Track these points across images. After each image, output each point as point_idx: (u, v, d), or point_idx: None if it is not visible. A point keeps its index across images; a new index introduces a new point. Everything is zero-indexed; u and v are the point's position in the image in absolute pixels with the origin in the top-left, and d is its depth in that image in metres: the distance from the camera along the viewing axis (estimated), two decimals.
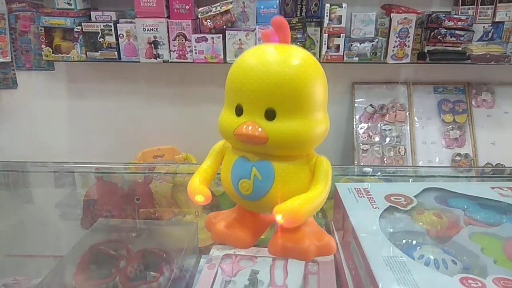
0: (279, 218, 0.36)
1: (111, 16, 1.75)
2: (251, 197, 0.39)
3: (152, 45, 1.73)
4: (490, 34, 1.67)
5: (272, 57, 0.37)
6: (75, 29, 1.71)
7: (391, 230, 0.45)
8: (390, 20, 1.64)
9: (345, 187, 0.54)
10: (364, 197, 0.52)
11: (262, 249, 0.57)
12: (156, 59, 1.74)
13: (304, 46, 1.70)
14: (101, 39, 1.73)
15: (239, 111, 0.38)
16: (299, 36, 1.70)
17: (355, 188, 0.54)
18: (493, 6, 1.63)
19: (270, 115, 0.37)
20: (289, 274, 0.53)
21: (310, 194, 0.38)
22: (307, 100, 0.37)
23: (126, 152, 1.86)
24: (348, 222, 0.47)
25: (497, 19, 1.65)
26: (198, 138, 1.92)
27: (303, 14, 1.74)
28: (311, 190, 0.38)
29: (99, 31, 1.72)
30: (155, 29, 1.70)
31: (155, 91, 1.92)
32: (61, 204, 0.91)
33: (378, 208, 0.49)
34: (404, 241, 0.44)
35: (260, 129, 0.36)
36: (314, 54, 1.77)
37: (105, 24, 1.71)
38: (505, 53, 1.59)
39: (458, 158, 1.70)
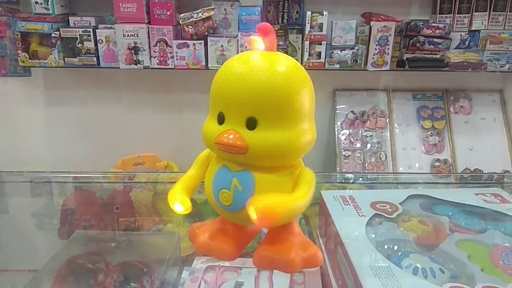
0: (252, 213, 0.34)
1: (90, 22, 1.71)
2: (231, 208, 0.38)
3: (132, 51, 1.70)
4: (467, 42, 1.71)
5: (255, 64, 0.36)
6: (53, 35, 1.67)
7: (378, 238, 0.45)
8: (370, 28, 1.66)
9: (330, 195, 0.54)
10: (349, 204, 0.51)
11: (247, 259, 0.56)
12: (137, 65, 1.71)
13: (286, 53, 1.69)
14: (80, 45, 1.69)
15: (221, 120, 0.37)
16: (281, 43, 1.71)
17: (340, 196, 0.53)
18: (470, 14, 1.68)
19: (251, 124, 0.36)
20: (274, 285, 0.52)
21: (290, 197, 0.37)
22: (291, 110, 0.36)
23: (106, 159, 1.82)
24: (334, 230, 0.46)
25: (473, 28, 1.69)
26: (179, 145, 1.90)
27: (285, 21, 1.75)
28: (292, 194, 0.37)
29: (78, 36, 1.68)
30: (135, 35, 1.68)
31: (135, 98, 1.89)
32: (38, 214, 0.88)
33: (364, 216, 0.48)
34: (391, 249, 0.44)
35: (240, 139, 0.35)
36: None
37: (83, 29, 1.68)
38: (482, 61, 1.63)
39: (437, 163, 1.73)
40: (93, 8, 1.76)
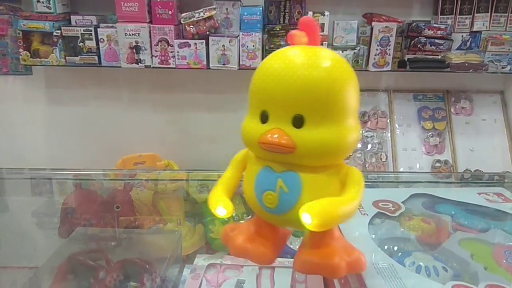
0: (307, 219, 0.32)
1: (91, 20, 1.71)
2: (275, 211, 0.36)
3: (134, 50, 1.70)
4: (468, 43, 1.71)
5: (300, 60, 0.34)
6: (54, 33, 1.67)
7: (381, 237, 0.45)
8: (372, 28, 1.66)
9: None
10: None
11: None
12: (138, 64, 1.71)
13: None
14: (81, 44, 1.69)
15: (264, 118, 0.36)
16: (282, 43, 1.71)
17: None
18: (471, 16, 1.68)
19: (298, 122, 0.34)
20: (276, 283, 0.52)
21: (342, 198, 0.35)
22: (338, 106, 0.35)
23: (107, 158, 1.81)
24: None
25: (474, 29, 1.69)
26: (180, 144, 1.90)
27: (286, 21, 1.75)
28: (344, 196, 0.36)
29: (79, 35, 1.68)
30: (136, 34, 1.68)
31: (136, 97, 1.89)
32: (38, 213, 0.88)
33: (367, 215, 0.48)
34: (394, 248, 0.43)
35: (287, 137, 0.34)
36: None
37: (85, 28, 1.68)
38: (483, 62, 1.63)
39: (438, 164, 1.72)
40: (94, 7, 1.76)
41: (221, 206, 0.38)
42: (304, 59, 0.34)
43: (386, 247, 0.43)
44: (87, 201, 0.93)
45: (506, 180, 0.83)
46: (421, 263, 0.39)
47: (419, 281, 0.37)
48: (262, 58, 1.81)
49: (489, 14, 1.67)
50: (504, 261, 0.40)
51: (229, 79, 1.82)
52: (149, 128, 1.91)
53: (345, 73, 0.35)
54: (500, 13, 1.67)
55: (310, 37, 0.36)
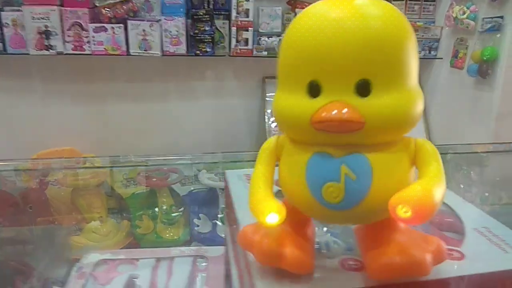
0: (404, 212, 0.26)
1: None
2: (341, 206, 0.29)
3: (43, 36, 1.55)
4: None
5: (348, 11, 0.27)
6: None
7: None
8: (295, 15, 1.66)
9: (234, 174, 0.50)
10: None
11: (146, 250, 0.51)
12: (49, 50, 1.57)
13: (212, 39, 1.66)
14: None
15: (315, 91, 0.28)
16: (207, 28, 1.66)
17: (244, 174, 0.50)
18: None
19: (364, 88, 0.27)
20: (173, 274, 0.48)
21: (431, 180, 0.28)
22: (407, 65, 0.28)
23: (20, 155, 1.64)
24: (234, 212, 0.43)
25: None
26: (102, 137, 1.79)
27: (211, 6, 1.69)
28: (426, 176, 0.29)
29: None
30: (46, 18, 1.54)
31: (51, 87, 1.74)
32: None
33: None
34: None
35: (352, 110, 0.27)
36: (223, 48, 1.76)
37: None
38: None
39: None
40: None
41: (274, 212, 0.29)
42: (354, 10, 0.27)
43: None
44: None
45: None
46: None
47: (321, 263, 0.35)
48: (187, 45, 1.75)
49: (404, 2, 1.74)
50: None
51: (152, 66, 1.73)
52: (67, 120, 1.77)
53: (405, 23, 0.29)
54: (414, 1, 1.75)
55: None
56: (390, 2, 0.29)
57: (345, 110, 0.27)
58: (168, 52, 1.64)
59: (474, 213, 0.41)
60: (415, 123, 0.30)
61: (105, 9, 1.56)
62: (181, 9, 1.64)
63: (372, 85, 0.27)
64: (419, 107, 0.29)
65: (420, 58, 1.51)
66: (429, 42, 1.73)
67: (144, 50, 1.62)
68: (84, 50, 1.59)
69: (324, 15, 0.27)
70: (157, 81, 1.77)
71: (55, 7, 1.53)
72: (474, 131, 1.57)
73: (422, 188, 0.27)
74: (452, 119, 1.70)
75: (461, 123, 1.65)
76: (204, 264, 0.49)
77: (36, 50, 1.56)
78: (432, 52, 1.74)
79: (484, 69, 1.46)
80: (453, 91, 1.69)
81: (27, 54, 1.56)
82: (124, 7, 1.58)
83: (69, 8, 1.54)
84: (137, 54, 1.62)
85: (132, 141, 1.77)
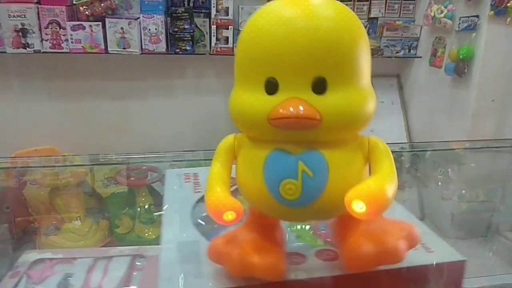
0: (359, 207, 0.26)
1: None
2: (298, 202, 0.29)
3: (20, 33, 1.54)
4: (366, 30, 1.77)
5: (301, 11, 0.27)
6: None
7: (205, 215, 0.42)
8: None
9: (174, 173, 0.50)
10: (190, 181, 0.48)
11: (84, 250, 0.51)
12: (26, 49, 1.56)
13: (192, 38, 1.65)
14: None
15: (272, 87, 0.28)
16: (186, 26, 1.65)
17: (184, 174, 0.50)
18: (368, 2, 1.74)
19: (320, 86, 0.28)
20: (108, 273, 0.48)
21: (384, 176, 0.29)
22: (361, 64, 0.30)
23: None
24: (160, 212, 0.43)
25: (372, 15, 1.76)
26: (81, 136, 1.78)
27: (191, 4, 1.69)
28: (379, 172, 0.30)
29: None
30: (22, 16, 1.53)
31: (28, 86, 1.72)
32: None
33: (200, 192, 0.45)
34: (212, 223, 0.41)
35: (308, 107, 0.27)
36: (204, 46, 1.75)
37: None
38: (379, 47, 1.71)
39: None
40: None
41: (231, 210, 0.30)
42: (307, 10, 0.28)
43: (204, 223, 0.40)
44: None
45: None
46: None
47: None
48: (167, 43, 1.74)
49: (384, 1, 1.74)
50: (318, 232, 0.39)
51: (131, 65, 1.72)
52: (45, 119, 1.75)
53: (359, 24, 0.30)
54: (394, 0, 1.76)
55: None
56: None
57: (301, 107, 0.27)
58: (147, 50, 1.64)
59: (397, 211, 0.41)
60: (368, 121, 0.31)
61: (83, 7, 1.55)
62: (160, 7, 1.63)
63: (328, 82, 0.28)
64: (372, 105, 0.31)
65: (400, 57, 1.51)
66: (409, 41, 1.73)
67: (123, 48, 1.61)
68: (62, 48, 1.58)
69: (278, 14, 0.28)
70: (137, 79, 1.77)
71: (31, 5, 1.52)
72: (452, 129, 1.58)
73: (376, 184, 0.28)
74: (431, 117, 1.71)
75: (439, 122, 1.66)
76: (141, 263, 0.49)
77: (13, 48, 1.55)
78: (412, 51, 1.74)
79: (461, 67, 1.47)
80: (432, 89, 1.69)
81: (4, 52, 1.55)
82: (102, 4, 1.57)
83: (46, 6, 1.53)
84: (115, 52, 1.61)
85: (112, 140, 1.76)
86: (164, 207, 0.42)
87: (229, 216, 0.30)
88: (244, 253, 0.30)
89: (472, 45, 1.44)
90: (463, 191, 1.42)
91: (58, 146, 1.74)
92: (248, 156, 0.31)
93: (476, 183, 1.36)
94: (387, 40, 1.73)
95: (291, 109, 0.27)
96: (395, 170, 0.30)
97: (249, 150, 0.31)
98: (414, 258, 0.31)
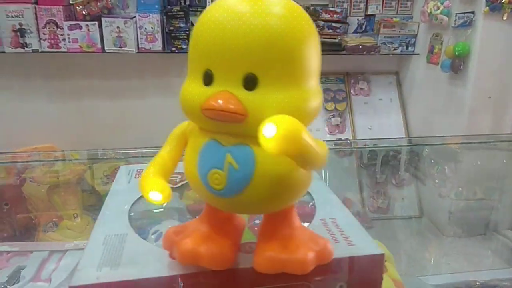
0: (270, 129, 0.25)
1: None
2: (224, 192, 0.30)
3: (18, 33, 1.57)
4: (363, 27, 1.76)
5: (253, 5, 0.28)
6: None
7: (144, 209, 0.42)
8: None
9: (127, 169, 0.51)
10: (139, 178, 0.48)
11: (39, 243, 0.52)
12: (24, 48, 1.59)
13: (188, 36, 1.66)
14: None
15: (208, 79, 0.29)
16: (182, 25, 1.66)
17: (137, 170, 0.50)
18: None
19: (250, 82, 0.28)
20: (60, 266, 0.49)
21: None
22: (298, 64, 0.29)
23: None
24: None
25: (369, 12, 1.74)
26: (80, 134, 1.80)
27: (187, 3, 1.70)
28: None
29: None
30: (20, 16, 1.56)
31: (28, 85, 1.76)
32: None
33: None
34: (148, 219, 0.41)
35: (235, 102, 0.27)
36: None
37: None
38: (376, 44, 1.69)
39: (339, 142, 1.77)
40: None
41: (155, 190, 0.30)
42: (257, 6, 0.28)
43: (139, 219, 0.40)
44: None
45: None
46: (163, 230, 0.37)
47: (140, 247, 0.35)
48: (163, 41, 1.76)
49: None
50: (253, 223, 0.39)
51: (127, 63, 1.74)
52: (44, 117, 1.79)
53: (306, 24, 0.29)
54: None
55: None
56: None
57: (228, 100, 0.27)
58: (143, 49, 1.65)
59: (332, 205, 0.41)
60: (307, 122, 0.29)
61: (80, 6, 1.57)
62: (156, 6, 1.64)
63: (259, 80, 0.28)
64: (311, 107, 0.29)
65: (398, 54, 1.49)
66: (406, 38, 1.71)
67: (119, 47, 1.63)
68: (60, 47, 1.60)
69: (228, 8, 0.28)
70: (134, 78, 1.78)
71: (29, 5, 1.54)
72: (449, 126, 1.56)
73: (298, 122, 0.26)
74: (428, 113, 1.69)
75: (437, 118, 1.63)
76: None
77: (12, 48, 1.58)
78: (410, 48, 1.72)
79: (457, 64, 1.44)
80: (430, 86, 1.67)
81: (3, 52, 1.58)
82: (99, 4, 1.59)
83: (43, 6, 1.56)
84: (112, 51, 1.63)
85: (110, 138, 1.78)
86: (105, 202, 0.42)
87: (154, 196, 0.31)
88: (191, 243, 0.31)
89: (468, 41, 1.42)
90: (460, 189, 1.39)
91: (57, 144, 1.77)
92: (192, 143, 0.32)
93: (473, 181, 1.34)
94: (384, 37, 1.71)
95: (220, 101, 0.28)
96: (323, 149, 0.29)
97: (194, 138, 0.32)
98: (334, 250, 0.31)
